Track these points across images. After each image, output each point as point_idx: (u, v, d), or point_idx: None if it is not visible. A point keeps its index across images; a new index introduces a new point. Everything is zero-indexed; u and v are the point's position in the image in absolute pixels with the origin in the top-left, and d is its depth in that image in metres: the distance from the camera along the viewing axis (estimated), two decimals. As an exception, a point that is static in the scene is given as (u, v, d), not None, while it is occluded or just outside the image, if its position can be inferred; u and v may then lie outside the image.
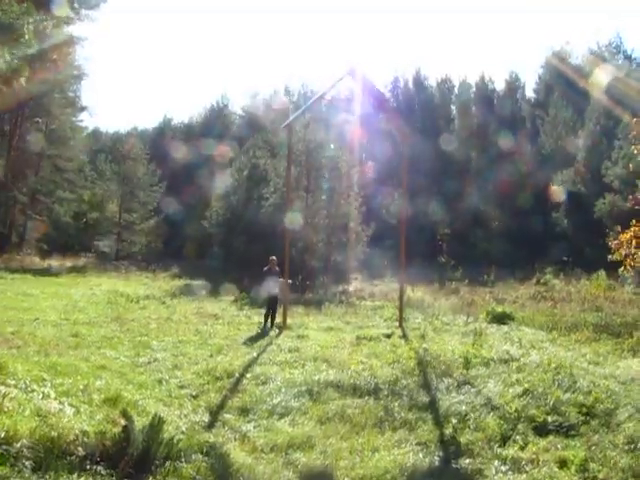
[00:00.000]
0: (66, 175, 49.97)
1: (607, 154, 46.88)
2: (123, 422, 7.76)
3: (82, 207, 52.86)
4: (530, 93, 70.58)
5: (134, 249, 52.61)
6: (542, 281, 34.50)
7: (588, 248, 38.20)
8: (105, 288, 26.82)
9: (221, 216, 38.61)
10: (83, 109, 53.59)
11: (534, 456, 9.01)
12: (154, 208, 54.40)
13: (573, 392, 11.27)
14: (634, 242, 20.77)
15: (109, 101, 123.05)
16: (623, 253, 21.11)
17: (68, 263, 42.13)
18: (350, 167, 36.29)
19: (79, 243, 51.41)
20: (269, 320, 17.75)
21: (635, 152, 22.55)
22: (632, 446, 9.25)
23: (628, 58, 59.92)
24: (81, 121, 56.41)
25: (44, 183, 48.64)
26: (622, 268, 21.81)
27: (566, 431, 9.95)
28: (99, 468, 7.04)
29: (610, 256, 22.05)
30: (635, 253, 20.84)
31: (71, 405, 8.53)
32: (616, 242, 21.51)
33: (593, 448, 9.19)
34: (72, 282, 29.87)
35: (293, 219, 23.77)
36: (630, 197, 24.32)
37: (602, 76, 46.38)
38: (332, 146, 35.43)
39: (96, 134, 71.62)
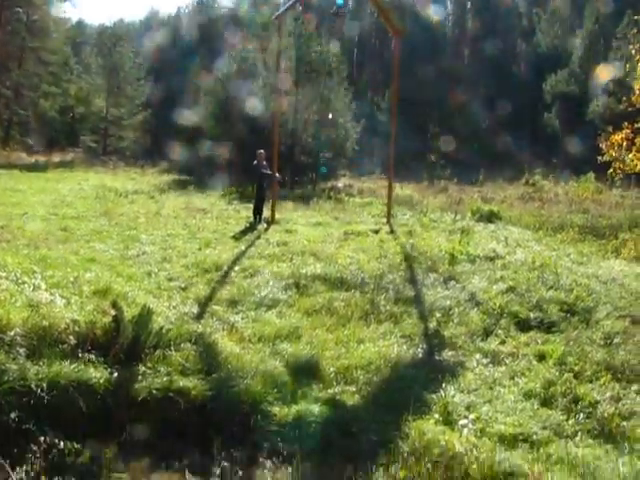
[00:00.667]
0: (50, 68, 48.69)
1: (604, 55, 46.13)
2: (113, 312, 7.89)
3: (68, 102, 51.89)
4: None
5: (122, 144, 51.96)
6: (531, 182, 34.53)
7: (578, 150, 38.08)
8: (93, 183, 26.62)
9: (210, 111, 37.97)
10: (65, -1, 51.79)
11: (514, 350, 9.28)
12: (142, 103, 53.43)
13: (556, 290, 11.50)
14: (625, 144, 20.67)
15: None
16: (613, 155, 21.03)
17: (55, 158, 41.69)
18: (340, 62, 35.56)
19: (66, 138, 50.76)
20: (257, 215, 17.75)
21: (633, 52, 22.12)
22: (608, 342, 9.57)
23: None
24: (64, 12, 54.64)
25: (28, 76, 47.34)
26: (611, 170, 21.78)
27: (547, 327, 10.22)
28: (91, 356, 7.20)
29: (600, 157, 22.00)
30: (625, 156, 20.77)
31: (62, 296, 8.61)
32: (607, 143, 21.39)
33: (571, 343, 9.47)
34: (60, 177, 29.60)
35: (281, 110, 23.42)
36: (624, 99, 24.02)
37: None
38: (323, 41, 34.65)
39: (80, 26, 69.63)
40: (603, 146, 21.58)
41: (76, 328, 7.60)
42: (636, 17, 23.38)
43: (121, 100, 53.09)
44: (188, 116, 40.27)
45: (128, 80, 53.05)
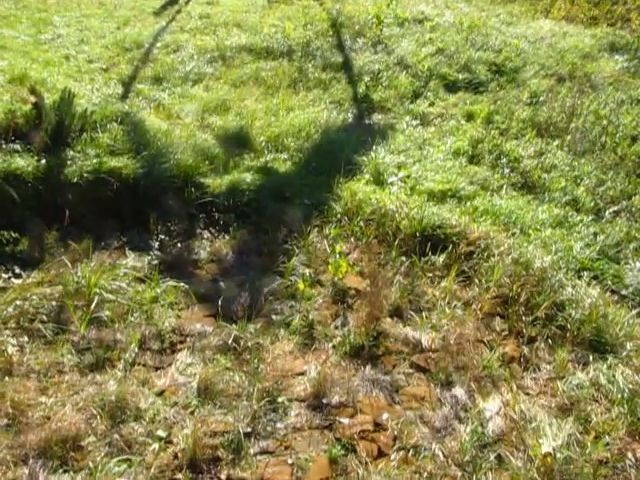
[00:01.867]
0: None
1: None
2: (33, 99, 7.56)
3: None
4: None
5: None
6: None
7: None
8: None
9: None
10: None
11: (443, 111, 9.41)
12: None
13: (484, 51, 11.47)
14: None
15: None
16: None
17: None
18: None
19: None
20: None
21: None
22: (534, 100, 9.76)
23: None
24: None
25: None
26: None
27: (475, 88, 10.31)
28: (15, 146, 6.97)
29: None
30: None
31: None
32: None
33: (499, 103, 9.63)
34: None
35: None
36: None
37: None
38: None
39: None
40: None
41: (-5, 120, 7.28)
42: None
43: None
44: None
45: None
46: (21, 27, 12.52)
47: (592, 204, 7.07)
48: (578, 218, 6.73)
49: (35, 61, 10.10)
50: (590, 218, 6.76)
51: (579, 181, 7.55)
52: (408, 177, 7.28)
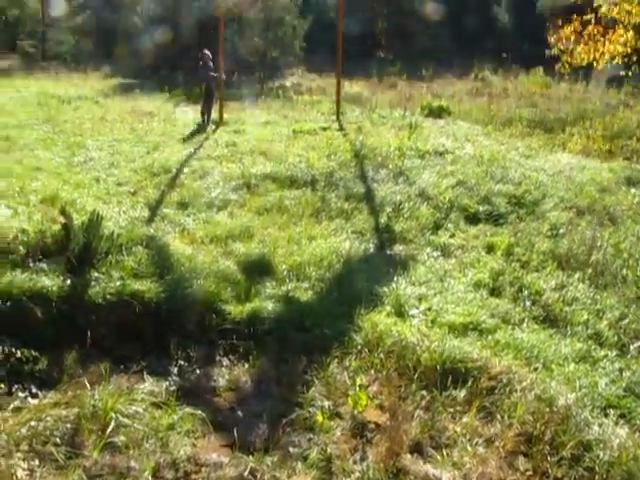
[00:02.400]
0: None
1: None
2: (62, 220, 7.75)
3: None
4: None
5: (62, 49, 49.76)
6: (480, 77, 34.32)
7: (527, 44, 37.82)
8: (34, 90, 25.61)
9: (152, 10, 36.62)
10: None
11: (464, 242, 9.49)
12: (80, 4, 50.97)
13: (504, 183, 11.69)
14: (573, 37, 20.55)
15: None
16: (562, 48, 20.91)
17: (-10, 67, 39.92)
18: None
19: (1, 45, 48.42)
20: (206, 116, 17.46)
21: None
22: (554, 232, 9.86)
23: None
24: None
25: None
26: (559, 65, 21.72)
27: (495, 220, 10.44)
28: (42, 265, 7.12)
29: (548, 51, 21.88)
30: (573, 49, 20.67)
31: (8, 207, 8.47)
32: (556, 37, 21.23)
33: (519, 235, 9.72)
34: (-4, 85, 28.46)
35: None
36: (574, -9, 23.67)
37: None
38: None
39: None
40: (552, 39, 21.41)
41: (25, 238, 7.47)
42: None
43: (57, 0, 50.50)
44: (130, 17, 38.80)
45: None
46: (56, 149, 13.09)
47: (616, 338, 6.99)
48: (602, 353, 6.64)
49: (67, 182, 10.48)
50: (614, 353, 6.66)
51: (602, 315, 7.49)
52: (429, 309, 7.27)
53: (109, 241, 7.74)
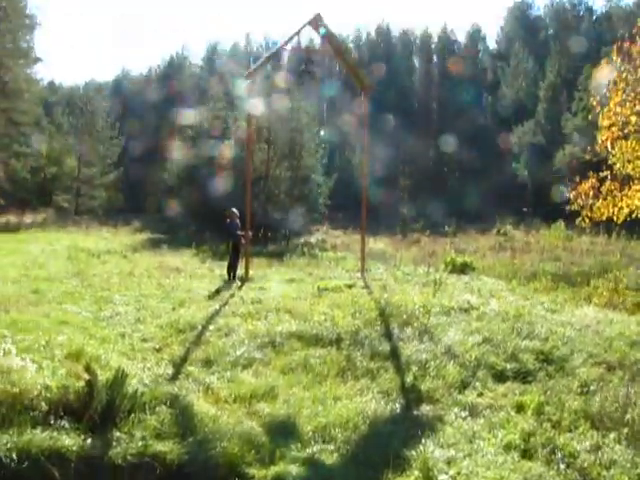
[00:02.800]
0: (22, 129, 48.68)
1: (567, 106, 47.26)
2: (86, 376, 7.77)
3: (40, 162, 51.76)
4: (492, 44, 70.61)
5: (94, 203, 51.73)
6: (502, 232, 34.91)
7: (547, 199, 38.62)
8: (65, 243, 26.43)
9: (181, 168, 38.15)
10: (37, 60, 51.83)
11: (492, 401, 9.28)
12: (114, 162, 53.45)
13: (531, 339, 11.57)
14: (591, 193, 20.97)
15: (65, 52, 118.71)
16: (581, 204, 21.30)
17: (27, 219, 41.48)
18: (312, 118, 36.07)
19: (37, 198, 50.44)
20: (231, 272, 17.73)
21: (594, 104, 22.62)
22: (585, 389, 9.63)
23: (589, 10, 60.33)
24: (36, 73, 54.85)
25: (-1, 137, 47.34)
26: (579, 219, 22.05)
27: (523, 377, 10.26)
28: (63, 422, 7.08)
29: (568, 207, 22.28)
30: (592, 204, 21.05)
31: (33, 361, 8.48)
32: (574, 193, 21.68)
33: (549, 393, 9.51)
34: (31, 238, 29.38)
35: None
36: (589, 149, 24.45)
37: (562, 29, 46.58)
38: (294, 98, 35.11)
39: (52, 87, 69.89)
40: (571, 195, 21.86)
41: (48, 394, 7.49)
42: (594, 70, 24.03)
43: (93, 159, 53.04)
44: (160, 174, 40.38)
45: (100, 139, 53.13)
46: (84, 303, 13.26)
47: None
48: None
49: (93, 337, 10.55)
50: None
51: (643, 479, 7.19)
52: (459, 474, 7.04)
53: (132, 399, 7.72)
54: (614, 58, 17.41)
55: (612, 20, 56.75)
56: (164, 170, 41.09)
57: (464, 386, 9.81)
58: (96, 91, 60.98)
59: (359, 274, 18.26)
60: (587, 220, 21.45)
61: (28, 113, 48.63)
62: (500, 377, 10.22)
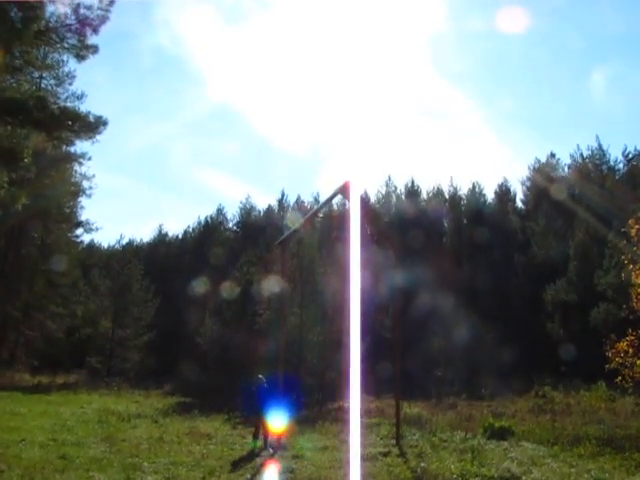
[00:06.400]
0: (60, 290, 49.84)
1: (598, 263, 47.26)
2: None
3: (75, 322, 52.41)
4: (520, 204, 71.76)
5: (126, 365, 51.62)
6: (540, 393, 33.95)
7: (585, 358, 37.80)
8: (96, 406, 26.30)
9: (215, 332, 38.33)
10: (79, 224, 54.00)
11: None
12: (148, 324, 53.85)
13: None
14: (631, 351, 20.59)
15: (104, 214, 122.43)
16: (620, 362, 20.88)
17: (59, 380, 41.53)
18: (343, 283, 36.39)
19: (71, 359, 50.65)
20: (263, 440, 17.32)
21: (626, 262, 22.67)
22: None
23: (611, 170, 61.69)
24: (76, 236, 56.79)
25: (37, 298, 48.42)
26: (620, 378, 21.50)
27: None
28: None
29: (608, 365, 21.79)
30: (633, 362, 20.62)
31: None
32: (613, 351, 21.30)
33: None
34: (62, 400, 29.35)
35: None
36: (624, 306, 24.20)
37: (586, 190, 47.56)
38: (325, 262, 35.71)
39: (91, 248, 71.90)
40: (609, 354, 21.44)
41: None
42: (623, 229, 24.27)
43: (127, 321, 53.45)
44: (194, 338, 40.54)
45: (135, 301, 53.78)
46: (111, 471, 12.99)
47: None
48: None
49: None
50: None
51: None
52: None
53: None
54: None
55: (636, 177, 57.66)
56: (198, 333, 41.26)
57: None
58: (133, 253, 62.49)
59: (394, 441, 17.73)
60: (628, 379, 20.93)
61: (67, 275, 50.01)
62: None
